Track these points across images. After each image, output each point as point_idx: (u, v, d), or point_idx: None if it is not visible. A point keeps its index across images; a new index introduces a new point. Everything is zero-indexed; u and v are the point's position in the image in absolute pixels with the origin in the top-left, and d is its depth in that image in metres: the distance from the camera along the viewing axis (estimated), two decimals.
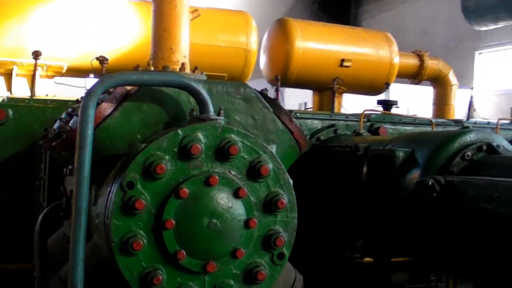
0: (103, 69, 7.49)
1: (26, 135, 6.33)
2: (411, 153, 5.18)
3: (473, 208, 4.47)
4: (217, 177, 3.30)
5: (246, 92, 3.73)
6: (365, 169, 5.62)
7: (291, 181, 3.51)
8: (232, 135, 3.39)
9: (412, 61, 10.27)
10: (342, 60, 9.58)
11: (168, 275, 3.29)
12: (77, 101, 4.66)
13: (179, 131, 3.32)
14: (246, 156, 3.41)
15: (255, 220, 3.38)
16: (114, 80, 3.33)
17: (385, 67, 9.82)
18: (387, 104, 8.20)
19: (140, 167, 3.26)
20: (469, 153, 4.93)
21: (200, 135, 3.33)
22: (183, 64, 4.10)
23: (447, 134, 5.31)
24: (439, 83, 10.37)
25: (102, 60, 7.20)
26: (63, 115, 4.43)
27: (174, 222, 3.23)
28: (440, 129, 6.96)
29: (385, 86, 9.01)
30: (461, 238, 4.63)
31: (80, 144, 3.24)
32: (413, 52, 10.36)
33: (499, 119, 7.23)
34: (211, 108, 3.45)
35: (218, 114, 3.46)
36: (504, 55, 18.41)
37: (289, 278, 3.75)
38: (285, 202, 3.44)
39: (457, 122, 7.53)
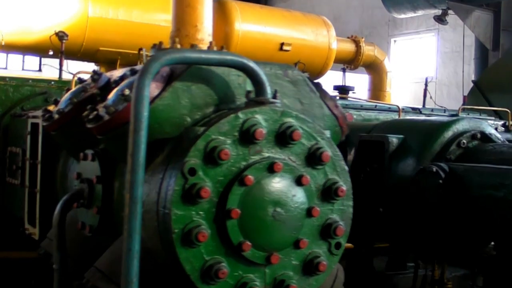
0: (62, 45, 7.06)
1: None
2: (404, 140, 5.18)
3: (480, 195, 4.52)
4: (280, 163, 3.13)
5: (294, 74, 3.56)
6: (350, 155, 5.57)
7: (346, 168, 3.39)
8: (291, 120, 3.22)
9: (349, 47, 10.35)
10: (282, 44, 9.50)
11: (230, 268, 3.09)
12: (80, 80, 4.31)
13: (240, 114, 3.11)
14: (304, 142, 3.25)
15: (317, 208, 3.23)
16: (171, 57, 3.07)
17: (323, 52, 9.84)
18: (343, 90, 8.20)
19: (201, 152, 3.03)
20: (464, 141, 4.99)
21: (260, 119, 3.14)
22: (211, 43, 3.86)
23: (438, 121, 5.35)
24: (374, 70, 10.52)
25: (62, 36, 6.79)
26: (69, 95, 4.09)
27: (239, 211, 3.03)
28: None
29: (342, 71, 9.02)
30: (467, 225, 4.68)
31: (136, 128, 2.95)
32: (349, 38, 10.43)
33: (461, 107, 7.39)
34: (268, 91, 3.25)
35: (274, 97, 3.27)
36: (420, 43, 18.96)
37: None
38: (345, 189, 3.31)
39: (415, 109, 7.63)
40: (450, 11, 12.65)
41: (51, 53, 7.32)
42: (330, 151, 3.28)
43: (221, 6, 9.48)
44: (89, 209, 3.70)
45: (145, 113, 2.97)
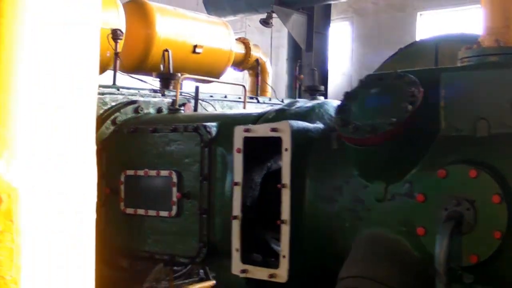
0: (116, 45, 6.31)
1: None
2: None
3: None
4: None
5: None
6: None
7: None
8: None
9: (241, 49, 10.62)
10: (195, 47, 9.50)
11: None
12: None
13: None
14: None
15: None
16: None
17: (225, 54, 10.01)
18: (313, 90, 8.51)
19: None
20: None
21: None
22: None
23: None
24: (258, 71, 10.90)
25: (118, 34, 6.10)
26: (375, 99, 3.78)
27: None
28: None
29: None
30: None
31: None
32: (237, 40, 10.71)
33: None
34: None
35: None
36: None
37: None
38: None
39: None
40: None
41: (108, 54, 6.55)
42: None
43: (139, 7, 9.08)
44: (466, 234, 3.46)
45: None
